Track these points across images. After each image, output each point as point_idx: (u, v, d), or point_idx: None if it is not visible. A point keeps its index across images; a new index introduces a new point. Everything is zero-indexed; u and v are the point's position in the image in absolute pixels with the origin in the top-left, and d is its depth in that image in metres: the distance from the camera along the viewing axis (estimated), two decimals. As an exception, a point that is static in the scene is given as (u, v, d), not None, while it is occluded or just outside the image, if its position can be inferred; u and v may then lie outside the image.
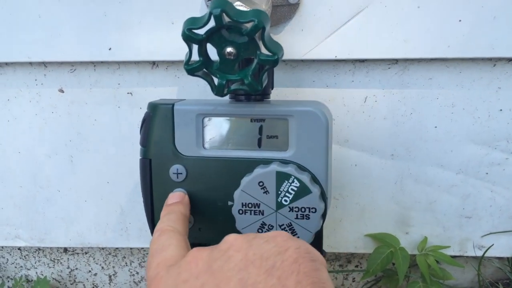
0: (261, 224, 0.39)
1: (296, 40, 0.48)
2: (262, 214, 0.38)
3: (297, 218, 0.38)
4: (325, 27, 0.48)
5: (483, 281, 0.59)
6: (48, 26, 0.51)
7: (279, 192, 0.38)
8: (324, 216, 0.39)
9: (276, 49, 0.35)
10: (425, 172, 0.53)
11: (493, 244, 0.55)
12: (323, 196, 0.39)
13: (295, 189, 0.37)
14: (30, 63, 0.54)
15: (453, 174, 0.53)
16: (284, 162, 0.39)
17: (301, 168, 0.39)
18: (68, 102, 0.55)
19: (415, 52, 0.48)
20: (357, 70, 0.51)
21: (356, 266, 0.62)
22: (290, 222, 0.38)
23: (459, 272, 0.61)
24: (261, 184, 0.38)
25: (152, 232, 0.44)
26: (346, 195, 0.55)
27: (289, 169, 0.37)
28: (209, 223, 0.42)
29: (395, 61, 0.50)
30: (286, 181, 0.37)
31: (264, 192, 0.38)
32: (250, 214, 0.39)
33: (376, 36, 0.48)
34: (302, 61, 0.50)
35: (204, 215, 0.42)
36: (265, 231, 0.39)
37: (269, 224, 0.38)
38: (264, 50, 0.35)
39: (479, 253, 0.56)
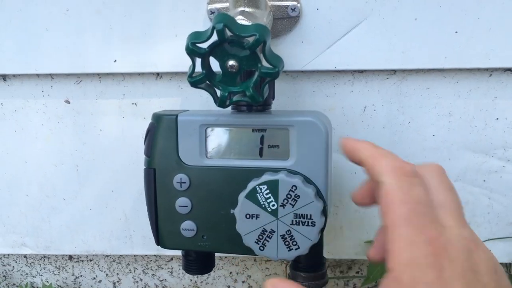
0: (262, 231, 0.39)
1: (296, 52, 0.49)
2: (264, 222, 0.39)
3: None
4: (325, 39, 0.49)
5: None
6: (55, 39, 0.52)
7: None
8: (325, 217, 0.40)
9: (276, 62, 0.36)
10: (424, 179, 0.54)
11: (490, 251, 0.56)
12: (322, 199, 0.40)
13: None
14: (37, 75, 0.55)
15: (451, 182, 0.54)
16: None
17: (297, 174, 0.40)
18: (74, 112, 0.56)
19: (412, 63, 0.49)
20: (356, 81, 0.52)
21: (357, 273, 0.63)
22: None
23: (459, 278, 0.61)
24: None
25: (156, 239, 0.45)
26: (346, 202, 0.56)
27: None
28: (212, 231, 0.43)
29: (393, 71, 0.51)
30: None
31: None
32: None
33: (375, 48, 0.49)
34: (302, 72, 0.52)
35: (207, 223, 0.43)
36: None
37: (270, 231, 0.39)
38: (265, 63, 0.36)
39: (478, 260, 0.56)
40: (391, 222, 0.29)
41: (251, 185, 0.39)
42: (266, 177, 0.39)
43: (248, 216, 0.39)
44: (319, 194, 0.40)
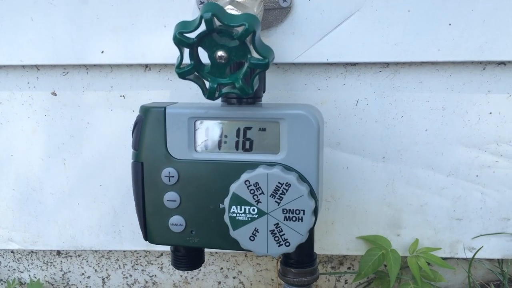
0: (251, 224, 0.39)
1: (287, 44, 0.49)
2: (254, 217, 0.39)
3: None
4: (317, 30, 0.48)
5: (474, 282, 0.60)
6: (41, 29, 0.51)
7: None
8: (315, 216, 0.39)
9: (266, 53, 0.36)
10: (416, 174, 0.54)
11: (482, 246, 0.55)
12: (314, 198, 0.39)
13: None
14: (23, 66, 0.54)
15: (444, 177, 0.54)
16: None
17: (292, 170, 0.39)
18: (61, 105, 0.55)
19: (405, 56, 0.48)
20: (349, 74, 0.51)
21: (349, 268, 0.63)
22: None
23: (450, 273, 0.61)
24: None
25: (144, 235, 0.44)
26: (338, 197, 0.55)
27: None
28: (201, 225, 0.42)
29: (386, 64, 0.50)
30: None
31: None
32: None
33: (367, 40, 0.48)
34: (294, 64, 0.51)
35: (196, 218, 0.42)
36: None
37: (261, 226, 0.39)
38: (255, 54, 0.36)
39: (470, 255, 0.56)
40: None
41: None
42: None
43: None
44: (312, 192, 0.39)
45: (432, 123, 0.52)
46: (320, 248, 0.58)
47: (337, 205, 0.56)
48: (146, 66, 0.53)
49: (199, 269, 0.64)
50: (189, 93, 0.52)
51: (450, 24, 0.47)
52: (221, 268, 0.64)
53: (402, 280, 0.58)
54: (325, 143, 0.53)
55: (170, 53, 0.49)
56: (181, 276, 0.65)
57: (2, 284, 0.68)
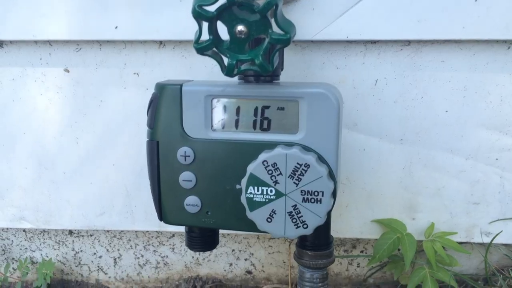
0: (271, 207, 0.38)
1: (306, 20, 0.47)
2: (272, 198, 0.38)
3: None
4: (337, 6, 0.47)
5: (489, 267, 0.59)
6: (54, 3, 0.49)
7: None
8: (334, 198, 0.38)
9: (288, 27, 0.34)
10: (434, 157, 0.53)
11: (502, 231, 0.54)
12: (333, 179, 0.38)
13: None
14: (35, 42, 0.53)
15: (463, 160, 0.52)
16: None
17: (311, 151, 0.38)
18: (74, 82, 0.54)
19: (428, 33, 0.47)
20: (369, 52, 0.50)
21: (361, 252, 0.62)
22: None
23: (465, 258, 0.61)
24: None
25: (159, 215, 0.43)
26: (353, 180, 0.54)
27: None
28: (217, 206, 0.42)
29: (408, 42, 0.49)
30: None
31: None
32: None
33: (389, 16, 0.47)
34: (312, 41, 0.49)
35: (212, 198, 0.41)
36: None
37: (278, 208, 0.38)
38: (276, 29, 0.34)
39: (486, 240, 0.55)
40: None
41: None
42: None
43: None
44: (331, 174, 0.38)
45: (453, 104, 0.50)
46: (333, 231, 0.57)
47: (352, 187, 0.55)
48: (161, 42, 0.51)
49: (211, 250, 0.64)
50: (204, 71, 0.51)
51: (476, 1, 0.45)
52: (233, 250, 0.64)
53: (417, 264, 0.57)
54: (342, 124, 0.52)
55: (186, 29, 0.48)
56: (193, 257, 0.65)
57: (14, 263, 0.68)
